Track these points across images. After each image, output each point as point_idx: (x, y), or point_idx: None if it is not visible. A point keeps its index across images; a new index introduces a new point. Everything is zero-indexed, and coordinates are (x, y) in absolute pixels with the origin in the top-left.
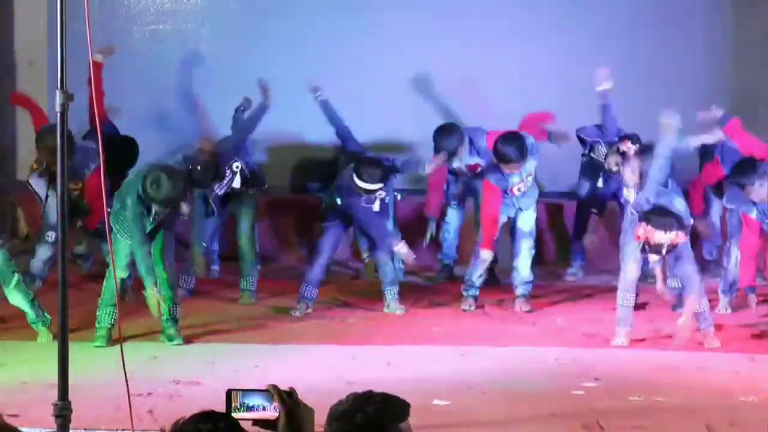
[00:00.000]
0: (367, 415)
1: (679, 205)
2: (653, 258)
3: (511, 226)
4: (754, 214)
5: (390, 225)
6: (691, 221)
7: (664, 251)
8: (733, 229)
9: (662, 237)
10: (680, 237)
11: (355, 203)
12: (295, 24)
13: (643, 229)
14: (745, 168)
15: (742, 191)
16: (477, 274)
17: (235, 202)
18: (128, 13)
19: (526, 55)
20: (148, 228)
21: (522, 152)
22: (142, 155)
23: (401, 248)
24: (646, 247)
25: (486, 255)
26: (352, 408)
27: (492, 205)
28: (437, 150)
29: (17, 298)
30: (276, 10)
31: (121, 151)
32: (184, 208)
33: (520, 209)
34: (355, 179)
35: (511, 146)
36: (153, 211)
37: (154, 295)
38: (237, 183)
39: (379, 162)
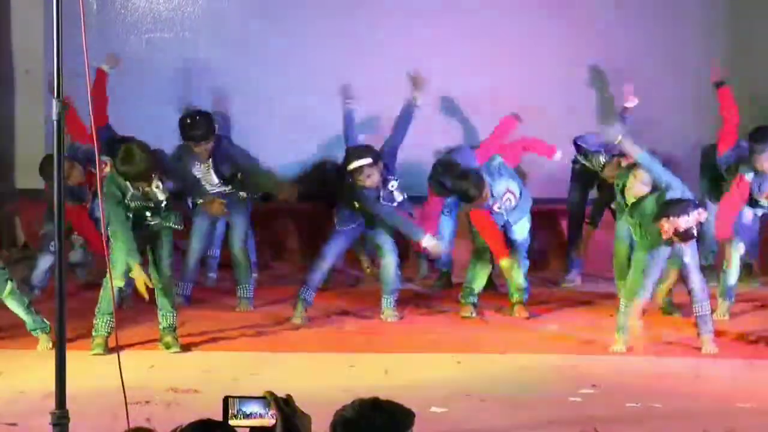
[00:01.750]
0: (373, 423)
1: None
2: (685, 247)
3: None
4: (749, 177)
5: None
6: None
7: (695, 233)
8: (736, 228)
9: (688, 221)
10: (702, 214)
11: (373, 202)
12: (293, 31)
13: (667, 224)
14: (764, 134)
15: (751, 156)
16: (477, 285)
17: (229, 209)
18: (125, 21)
19: (519, 57)
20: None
21: (479, 189)
22: None
23: (429, 242)
24: (675, 238)
25: (505, 263)
26: (358, 415)
27: (487, 224)
28: None
29: (13, 305)
30: (274, 17)
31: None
32: (159, 195)
33: (509, 222)
34: (349, 167)
35: (466, 184)
36: (129, 193)
37: (140, 275)
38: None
39: (366, 146)
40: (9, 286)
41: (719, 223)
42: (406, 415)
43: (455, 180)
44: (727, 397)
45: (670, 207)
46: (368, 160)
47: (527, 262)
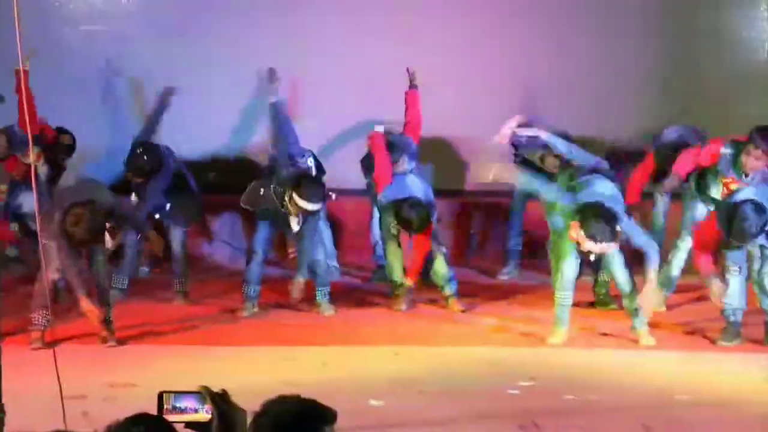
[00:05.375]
0: (284, 420)
1: (603, 188)
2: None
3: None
4: (725, 150)
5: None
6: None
7: (592, 258)
8: (687, 222)
9: (593, 246)
10: (610, 248)
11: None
12: (230, 23)
13: (576, 233)
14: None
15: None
16: (397, 276)
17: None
18: (60, 13)
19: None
20: None
21: (403, 148)
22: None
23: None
24: (577, 251)
25: None
26: (269, 412)
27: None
28: None
29: None
30: (211, 9)
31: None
32: (109, 243)
33: None
34: (296, 198)
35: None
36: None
37: (90, 309)
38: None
39: (319, 181)
40: None
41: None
42: (323, 413)
43: (408, 208)
44: (666, 389)
45: (586, 219)
46: (317, 207)
47: (444, 249)
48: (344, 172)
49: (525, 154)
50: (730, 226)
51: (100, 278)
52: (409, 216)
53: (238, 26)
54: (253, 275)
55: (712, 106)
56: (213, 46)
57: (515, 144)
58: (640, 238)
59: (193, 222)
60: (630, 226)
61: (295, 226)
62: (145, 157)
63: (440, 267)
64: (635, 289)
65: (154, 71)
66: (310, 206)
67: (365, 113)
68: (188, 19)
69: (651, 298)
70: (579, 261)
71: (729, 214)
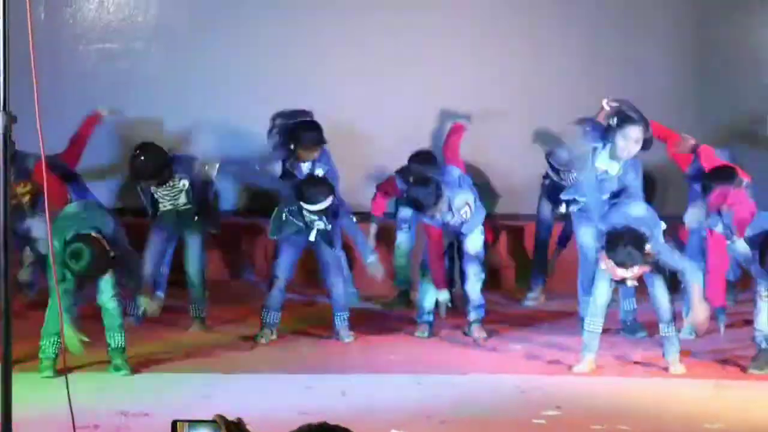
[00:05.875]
0: None
1: (637, 210)
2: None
3: (457, 248)
4: (719, 228)
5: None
6: (662, 226)
7: (629, 283)
8: (693, 250)
9: (624, 273)
10: (643, 269)
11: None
12: (245, 40)
13: (605, 264)
14: (726, 173)
15: (709, 195)
16: (428, 303)
17: (183, 228)
18: (74, 32)
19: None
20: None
21: (434, 200)
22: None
23: (373, 261)
24: (612, 279)
25: (443, 296)
26: None
27: (435, 244)
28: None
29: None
30: (225, 27)
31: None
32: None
33: (462, 234)
34: (305, 207)
35: (422, 192)
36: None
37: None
38: (181, 200)
39: (318, 179)
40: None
41: (712, 293)
42: None
43: (414, 185)
44: (695, 418)
45: (612, 247)
46: (327, 203)
47: (483, 276)
48: (366, 194)
49: (556, 179)
50: (763, 256)
51: (111, 302)
52: (416, 194)
53: (254, 42)
54: (273, 301)
55: (750, 125)
56: (230, 65)
57: (552, 163)
58: (672, 257)
59: (209, 232)
60: (660, 246)
61: (312, 236)
62: (143, 158)
63: (473, 292)
64: (674, 316)
65: (167, 90)
66: (319, 206)
67: (386, 137)
68: (203, 38)
69: (700, 312)
70: (612, 287)
71: (761, 245)
